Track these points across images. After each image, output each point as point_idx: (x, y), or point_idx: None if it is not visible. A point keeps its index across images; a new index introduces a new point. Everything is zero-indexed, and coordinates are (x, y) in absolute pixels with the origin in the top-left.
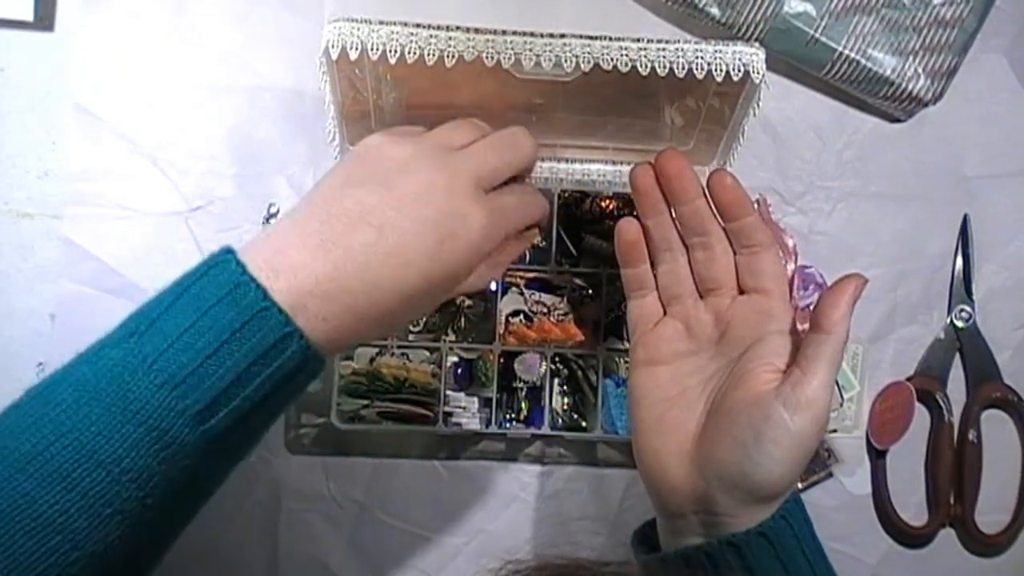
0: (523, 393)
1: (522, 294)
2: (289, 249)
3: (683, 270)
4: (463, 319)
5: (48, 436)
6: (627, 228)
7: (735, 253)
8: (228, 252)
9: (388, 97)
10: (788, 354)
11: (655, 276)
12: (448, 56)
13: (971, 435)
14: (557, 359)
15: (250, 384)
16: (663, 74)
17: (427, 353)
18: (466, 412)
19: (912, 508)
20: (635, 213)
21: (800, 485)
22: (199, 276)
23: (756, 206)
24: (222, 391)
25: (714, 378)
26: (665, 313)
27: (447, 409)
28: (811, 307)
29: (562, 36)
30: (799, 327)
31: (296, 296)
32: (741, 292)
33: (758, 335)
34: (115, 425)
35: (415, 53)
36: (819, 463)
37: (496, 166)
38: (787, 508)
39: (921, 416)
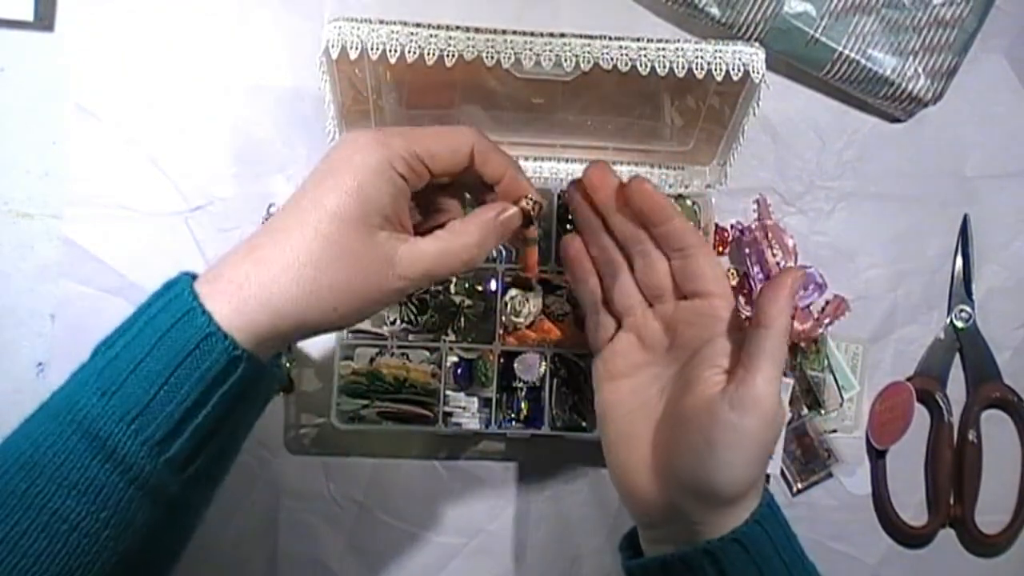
0: (523, 393)
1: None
2: (228, 268)
3: (628, 282)
4: (463, 319)
5: (38, 480)
6: (568, 243)
7: (669, 259)
8: (184, 275)
9: (388, 97)
10: (734, 355)
11: (604, 291)
12: (448, 56)
13: (971, 435)
14: (557, 359)
15: (204, 407)
16: (663, 74)
17: (427, 353)
18: (466, 412)
19: (912, 508)
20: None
21: (800, 485)
22: (155, 299)
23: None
24: (178, 420)
25: (669, 386)
26: (620, 327)
27: (447, 409)
28: (811, 307)
29: (562, 36)
30: (797, 327)
31: (239, 315)
32: (684, 297)
33: (705, 338)
34: (85, 460)
35: (415, 53)
36: (819, 463)
37: (417, 145)
38: (761, 513)
39: (921, 416)
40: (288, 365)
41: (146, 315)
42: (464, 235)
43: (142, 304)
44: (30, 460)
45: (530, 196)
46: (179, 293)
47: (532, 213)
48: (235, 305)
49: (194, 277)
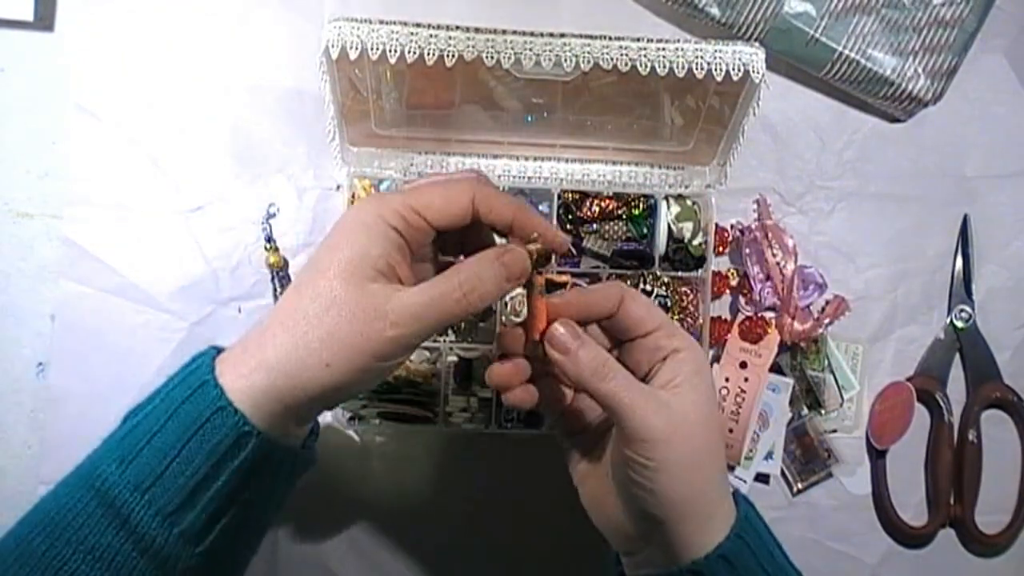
0: None
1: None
2: (244, 338)
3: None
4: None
5: (57, 543)
6: (497, 378)
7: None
8: (211, 349)
9: (388, 97)
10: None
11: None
12: (448, 56)
13: (971, 435)
14: None
15: (215, 480)
16: (663, 74)
17: (427, 353)
18: (466, 412)
19: (912, 508)
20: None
21: (800, 485)
22: (180, 370)
23: (757, 205)
24: (190, 492)
25: None
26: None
27: (447, 409)
28: (811, 307)
29: (562, 36)
30: (797, 327)
31: (241, 379)
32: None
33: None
34: (101, 527)
35: (415, 53)
36: (819, 463)
37: (411, 198)
38: (742, 527)
39: (921, 416)
40: None
41: (169, 385)
42: (455, 278)
43: (171, 374)
44: (52, 521)
45: (534, 237)
46: (199, 365)
47: (536, 255)
48: (239, 370)
49: (220, 350)
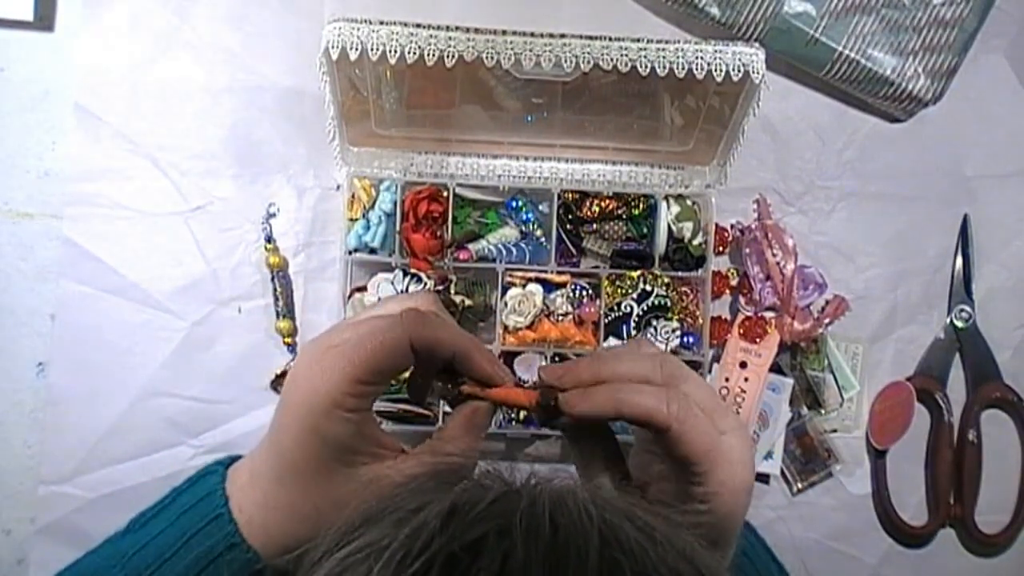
0: None
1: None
2: (246, 484)
3: None
4: (463, 319)
5: None
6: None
7: None
8: (217, 466)
9: (388, 97)
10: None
11: None
12: (448, 56)
13: (971, 435)
14: (557, 359)
15: None
16: (663, 74)
17: None
18: None
19: (912, 508)
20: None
21: (800, 485)
22: (189, 485)
23: (756, 205)
24: None
25: None
26: None
27: (447, 409)
28: (811, 307)
29: (562, 36)
30: (797, 327)
31: (264, 530)
32: None
33: None
34: None
35: (415, 53)
36: (819, 463)
37: (356, 372)
38: (747, 543)
39: (921, 416)
40: None
41: (180, 503)
42: (438, 451)
43: (179, 486)
44: None
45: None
46: (212, 491)
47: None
48: (251, 505)
49: (227, 465)
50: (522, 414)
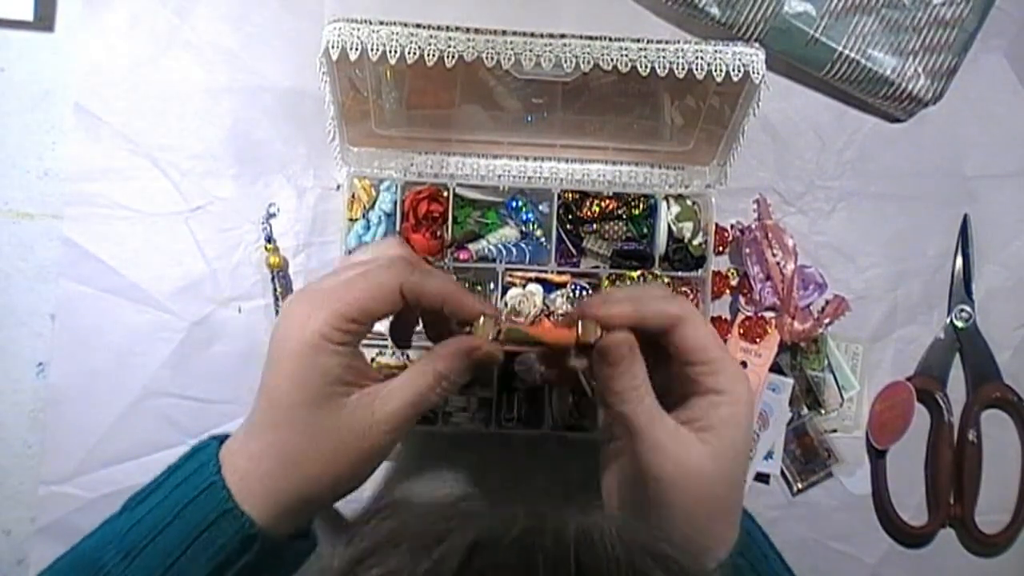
0: (522, 394)
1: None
2: (254, 454)
3: None
4: None
5: None
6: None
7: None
8: (212, 441)
9: (388, 97)
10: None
11: None
12: (448, 56)
13: (971, 435)
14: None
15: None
16: (663, 74)
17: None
18: (466, 412)
19: (912, 508)
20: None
21: (800, 485)
22: (183, 462)
23: (757, 206)
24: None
25: None
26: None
27: (447, 409)
28: (811, 307)
29: (562, 36)
30: (797, 327)
31: (259, 495)
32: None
33: None
34: None
35: (415, 53)
36: (819, 463)
37: (344, 309)
38: (743, 545)
39: (921, 416)
40: None
41: (174, 479)
42: (430, 371)
43: (173, 463)
44: None
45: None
46: (205, 462)
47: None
48: (245, 473)
49: (222, 440)
50: (521, 415)
